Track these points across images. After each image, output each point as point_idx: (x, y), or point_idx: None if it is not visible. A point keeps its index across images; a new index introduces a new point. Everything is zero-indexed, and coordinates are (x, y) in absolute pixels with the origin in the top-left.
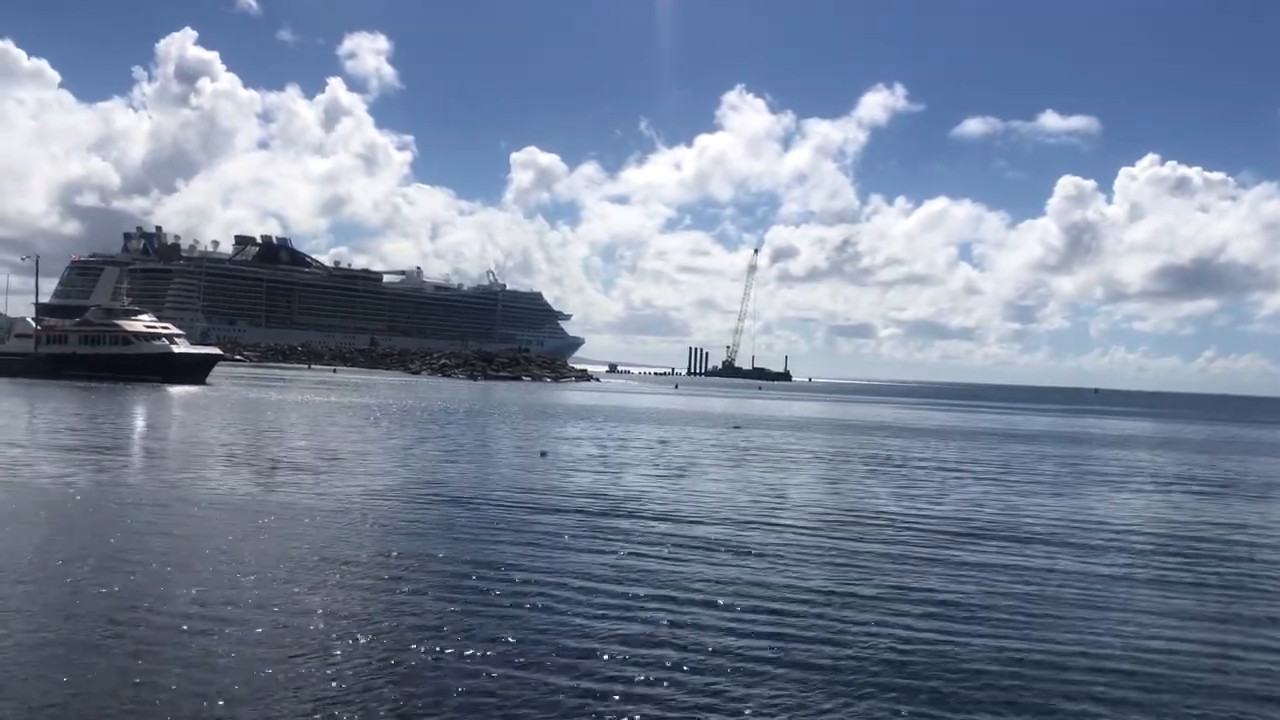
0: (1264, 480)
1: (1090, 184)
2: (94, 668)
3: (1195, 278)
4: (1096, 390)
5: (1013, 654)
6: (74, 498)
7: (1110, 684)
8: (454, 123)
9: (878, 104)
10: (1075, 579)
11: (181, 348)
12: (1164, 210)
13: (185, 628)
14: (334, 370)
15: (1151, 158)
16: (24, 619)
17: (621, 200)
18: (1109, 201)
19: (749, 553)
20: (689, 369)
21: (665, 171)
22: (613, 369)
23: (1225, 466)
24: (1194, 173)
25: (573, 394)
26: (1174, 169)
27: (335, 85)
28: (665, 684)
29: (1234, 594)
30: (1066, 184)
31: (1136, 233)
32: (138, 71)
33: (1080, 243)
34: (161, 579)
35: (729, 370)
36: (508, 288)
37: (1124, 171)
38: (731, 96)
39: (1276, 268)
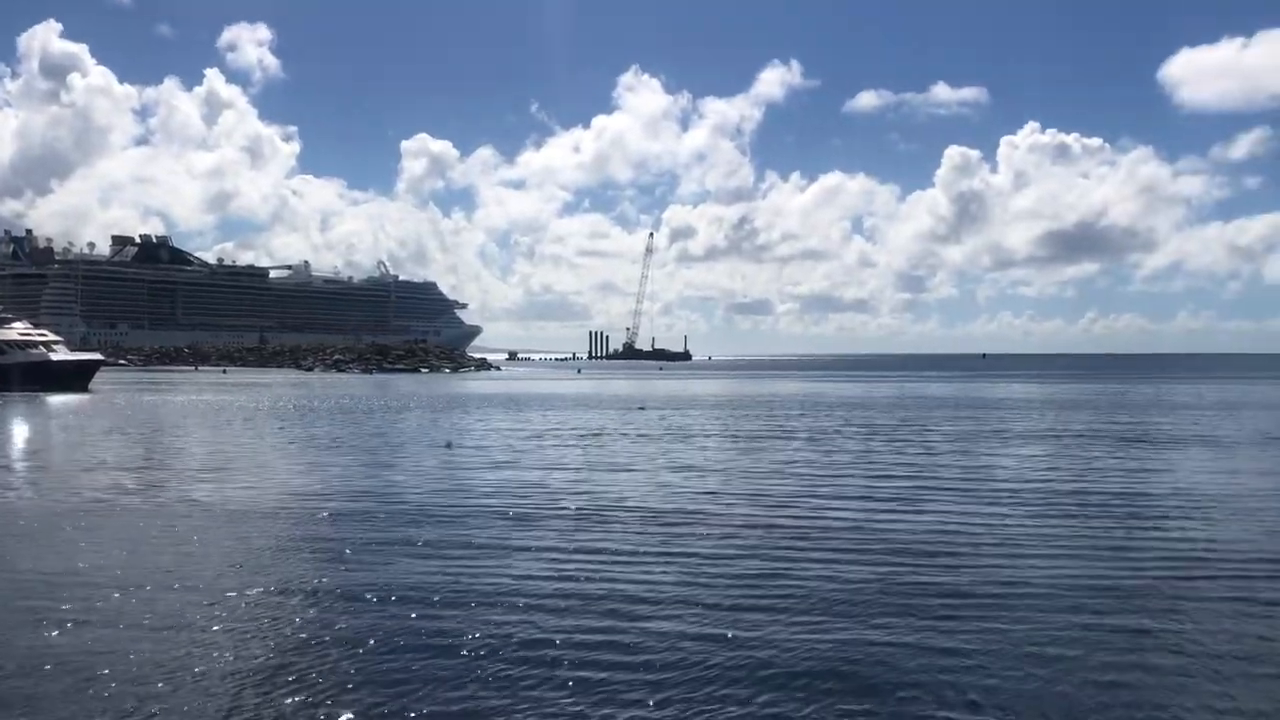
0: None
1: (975, 154)
2: None
3: (1077, 242)
4: (985, 355)
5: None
6: None
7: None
8: (341, 112)
9: (775, 80)
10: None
11: (60, 355)
12: (1047, 177)
13: (81, 643)
14: (223, 371)
15: (1032, 125)
16: None
17: (518, 185)
18: (994, 171)
19: (674, 534)
20: (590, 353)
21: (564, 154)
22: (513, 356)
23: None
24: (1072, 139)
25: (474, 384)
26: (1054, 136)
27: (212, 76)
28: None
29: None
30: (953, 154)
31: (1021, 200)
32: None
33: (968, 212)
34: (49, 593)
35: (629, 352)
36: (400, 278)
37: (1005, 140)
38: (627, 77)
39: (1154, 229)
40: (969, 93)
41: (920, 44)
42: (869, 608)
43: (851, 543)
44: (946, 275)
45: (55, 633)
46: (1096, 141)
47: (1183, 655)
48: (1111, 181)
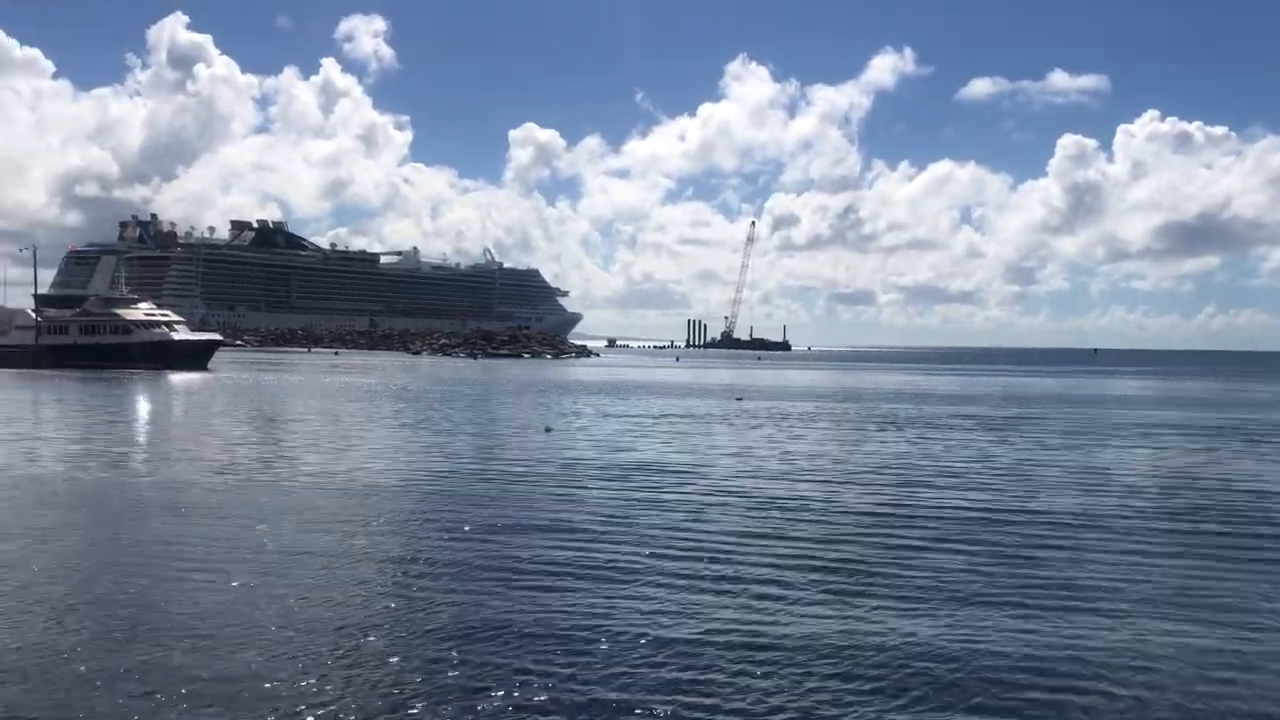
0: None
1: (1092, 143)
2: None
3: (1197, 234)
4: (1096, 350)
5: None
6: (90, 488)
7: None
8: (452, 101)
9: (886, 67)
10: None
11: (181, 335)
12: (1167, 167)
13: (221, 614)
14: (335, 353)
15: (1151, 114)
16: (51, 606)
17: (623, 174)
18: (1110, 160)
19: (778, 524)
20: (688, 341)
21: (669, 143)
22: (612, 344)
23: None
24: (1194, 128)
25: (574, 370)
26: (1174, 125)
27: (329, 66)
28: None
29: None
30: (1068, 143)
31: (1138, 191)
32: (130, 58)
33: (1082, 203)
34: (179, 569)
35: (727, 341)
36: (505, 266)
37: (1122, 129)
38: (734, 66)
39: None
40: (1088, 81)
41: (1038, 30)
42: (983, 602)
43: (962, 536)
44: (1058, 267)
45: (187, 600)
46: (1221, 130)
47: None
48: (1237, 172)
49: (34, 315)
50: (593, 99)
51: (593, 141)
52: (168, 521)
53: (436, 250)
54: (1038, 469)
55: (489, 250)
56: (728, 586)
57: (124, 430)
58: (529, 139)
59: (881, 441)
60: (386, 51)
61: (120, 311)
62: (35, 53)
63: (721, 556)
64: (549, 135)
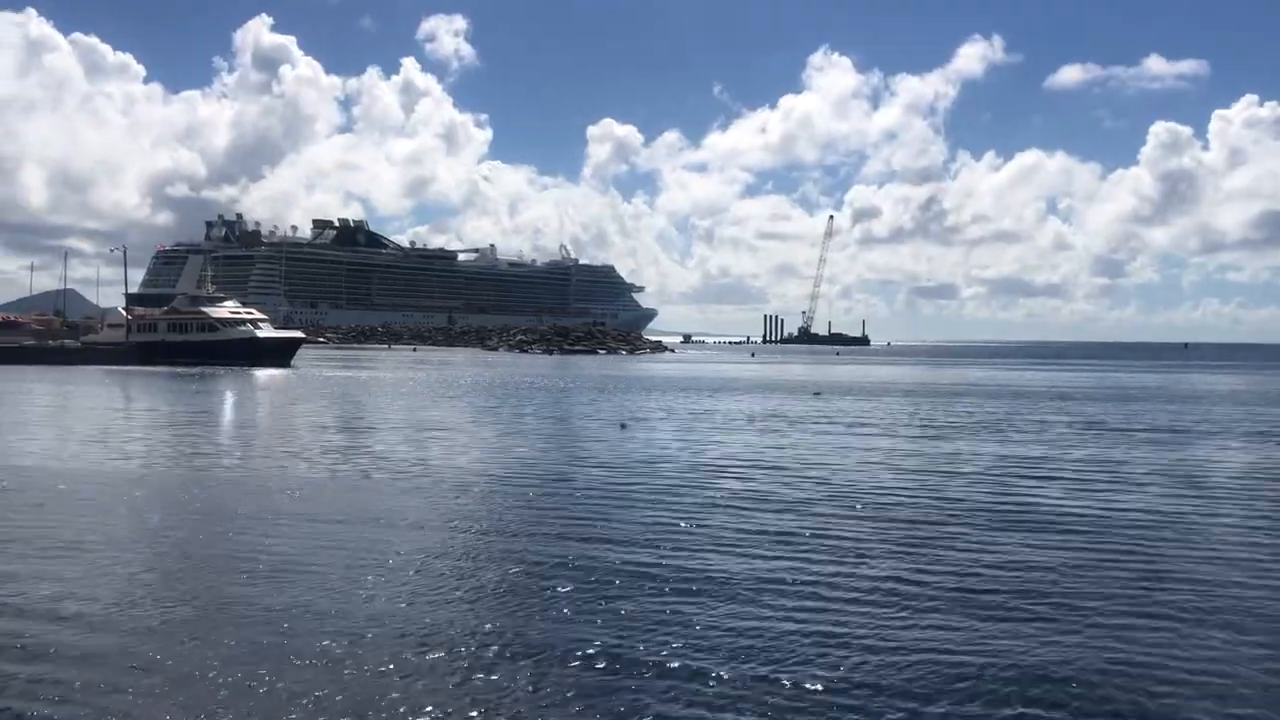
0: None
1: (1186, 130)
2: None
3: None
4: (1187, 345)
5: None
6: (182, 481)
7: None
8: (531, 99)
9: (974, 56)
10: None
11: (265, 332)
12: (1267, 154)
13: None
14: (414, 349)
15: (1249, 99)
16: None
17: (700, 168)
18: (1205, 148)
19: (862, 524)
20: (764, 337)
21: (749, 136)
22: (687, 339)
23: None
24: None
25: (649, 366)
26: (1274, 110)
27: (409, 66)
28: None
29: None
30: (1160, 131)
31: (1235, 179)
32: (218, 61)
33: (1175, 192)
34: (269, 565)
35: (805, 337)
36: (581, 262)
37: (1218, 114)
38: (816, 58)
39: None
40: (1186, 66)
41: (1134, 14)
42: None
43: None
44: (1148, 259)
45: (284, 587)
46: None
47: None
48: None
49: (124, 314)
50: (671, 94)
51: (671, 136)
52: (255, 517)
53: (514, 247)
54: (1134, 470)
55: (565, 247)
56: (806, 592)
57: (215, 426)
58: (607, 135)
59: (967, 440)
60: (467, 50)
61: (206, 310)
62: (128, 58)
63: (791, 558)
64: (627, 131)
